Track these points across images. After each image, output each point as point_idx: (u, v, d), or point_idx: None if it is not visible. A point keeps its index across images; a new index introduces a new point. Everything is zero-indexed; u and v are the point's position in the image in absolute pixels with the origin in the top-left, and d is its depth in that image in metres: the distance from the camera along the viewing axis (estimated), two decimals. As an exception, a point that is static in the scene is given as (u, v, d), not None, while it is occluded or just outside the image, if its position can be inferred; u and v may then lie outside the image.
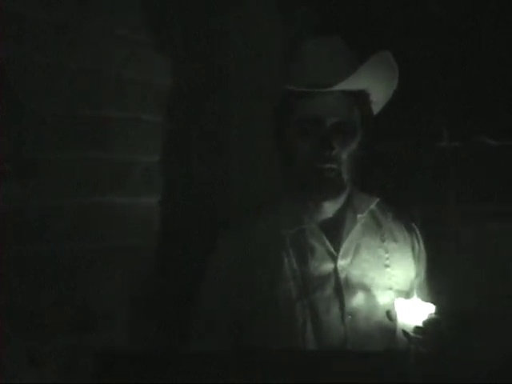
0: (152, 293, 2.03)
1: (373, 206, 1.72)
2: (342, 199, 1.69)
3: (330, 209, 1.68)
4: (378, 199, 1.74)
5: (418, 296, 1.54)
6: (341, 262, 1.65)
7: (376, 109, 1.72)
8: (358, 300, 1.63)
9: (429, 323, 1.46)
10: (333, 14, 2.30)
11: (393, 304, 1.58)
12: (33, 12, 1.72)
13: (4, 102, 1.67)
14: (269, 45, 2.23)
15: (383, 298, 1.63)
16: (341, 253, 1.65)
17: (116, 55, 1.94)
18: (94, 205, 1.88)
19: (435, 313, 1.47)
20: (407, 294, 1.61)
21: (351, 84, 1.59)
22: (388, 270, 1.67)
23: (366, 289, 1.64)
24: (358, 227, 1.69)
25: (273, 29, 2.26)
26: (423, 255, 1.75)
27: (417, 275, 1.73)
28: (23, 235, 1.72)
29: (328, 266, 1.64)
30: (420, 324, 1.47)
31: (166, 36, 2.07)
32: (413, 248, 1.74)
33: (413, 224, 1.77)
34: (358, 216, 1.69)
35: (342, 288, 1.63)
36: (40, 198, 1.75)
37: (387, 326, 1.60)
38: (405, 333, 1.49)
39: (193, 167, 2.17)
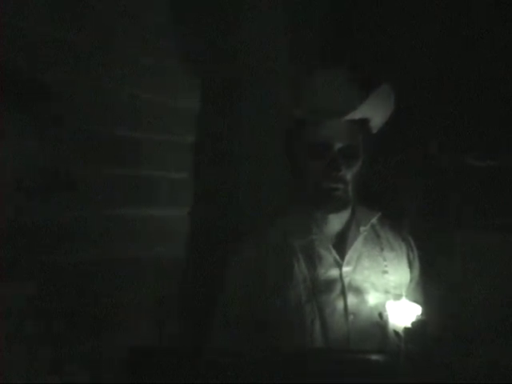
0: (176, 296, 2.18)
1: (374, 220, 1.92)
2: (346, 213, 1.88)
3: (335, 221, 1.88)
4: (379, 214, 1.93)
5: (412, 298, 1.71)
6: (345, 269, 1.85)
7: (373, 131, 1.90)
8: (359, 302, 1.82)
9: (416, 324, 1.62)
10: (335, 38, 2.47)
11: (385, 306, 1.74)
12: (69, 35, 1.85)
13: (45, 120, 1.76)
14: (279, 63, 2.39)
15: (382, 300, 1.80)
16: (345, 261, 1.85)
17: (148, 82, 2.10)
18: (124, 216, 2.02)
19: (421, 314, 1.63)
20: (401, 298, 1.74)
21: (359, 114, 1.79)
22: (386, 275, 1.87)
23: (367, 292, 1.83)
24: (360, 238, 1.88)
25: (283, 47, 2.42)
26: (417, 262, 1.94)
27: (411, 280, 1.92)
28: (60, 244, 1.84)
29: (334, 272, 1.84)
30: (409, 325, 1.62)
31: (187, 62, 2.23)
32: (408, 256, 1.93)
33: (408, 235, 1.97)
34: (361, 229, 1.89)
35: (345, 291, 1.83)
36: (76, 209, 1.88)
37: (382, 325, 1.76)
38: (395, 332, 1.65)
39: (210, 182, 2.32)
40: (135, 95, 2.08)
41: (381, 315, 1.77)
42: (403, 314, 1.65)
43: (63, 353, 1.81)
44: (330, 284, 1.83)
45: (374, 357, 1.60)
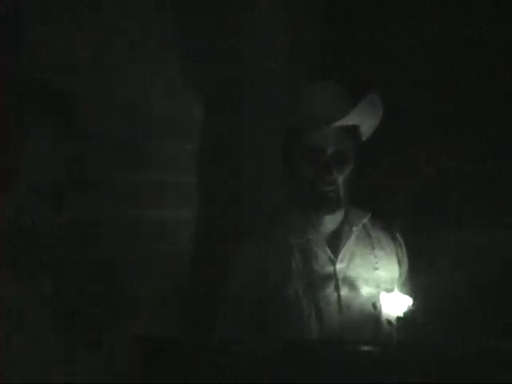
0: (177, 296, 2.21)
1: (365, 220, 2.00)
2: (339, 214, 1.98)
3: (329, 221, 1.97)
4: (369, 214, 2.03)
5: (400, 291, 1.78)
6: (339, 266, 1.94)
7: (364, 137, 1.99)
8: (352, 296, 1.93)
9: (407, 314, 1.70)
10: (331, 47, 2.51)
11: (378, 298, 1.82)
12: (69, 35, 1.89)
13: (45, 121, 1.83)
14: (279, 63, 2.43)
15: (373, 294, 1.90)
16: (339, 258, 1.95)
17: (147, 82, 2.14)
18: (124, 217, 2.07)
19: (412, 305, 1.71)
20: (392, 291, 1.82)
21: (348, 120, 1.88)
22: (377, 272, 1.97)
23: (359, 287, 1.94)
24: (353, 238, 1.98)
25: (283, 47, 2.45)
26: (405, 260, 2.05)
27: (400, 275, 2.01)
28: (60, 244, 1.87)
29: (328, 269, 1.94)
30: (400, 314, 1.71)
31: (187, 62, 2.26)
32: (397, 254, 2.03)
33: (397, 234, 2.05)
34: (353, 229, 1.98)
35: (339, 287, 1.93)
36: (76, 209, 1.91)
37: (375, 316, 1.85)
38: (388, 321, 1.73)
39: (210, 182, 2.36)
40: (134, 96, 2.11)
41: (375, 306, 1.86)
42: (395, 304, 1.74)
43: (64, 352, 1.84)
44: (324, 280, 1.93)
45: (368, 347, 1.66)
